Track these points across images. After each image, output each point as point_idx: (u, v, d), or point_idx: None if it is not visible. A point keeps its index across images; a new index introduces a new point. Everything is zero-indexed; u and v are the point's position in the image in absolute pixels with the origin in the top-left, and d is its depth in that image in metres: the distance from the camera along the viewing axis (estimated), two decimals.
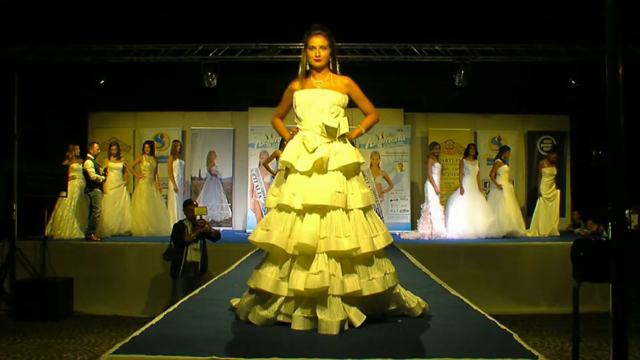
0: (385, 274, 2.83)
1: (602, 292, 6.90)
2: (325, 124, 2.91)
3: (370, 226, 2.85)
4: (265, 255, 2.92)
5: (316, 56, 2.99)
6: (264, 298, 2.80)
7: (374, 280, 2.78)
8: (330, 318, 2.62)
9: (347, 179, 2.90)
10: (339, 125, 2.92)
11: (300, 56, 3.12)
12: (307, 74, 3.06)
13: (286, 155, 2.91)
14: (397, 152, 10.68)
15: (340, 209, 2.80)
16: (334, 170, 2.87)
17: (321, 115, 2.96)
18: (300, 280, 2.69)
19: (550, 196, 9.39)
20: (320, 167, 2.87)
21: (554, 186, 9.48)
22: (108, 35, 9.14)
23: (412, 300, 2.99)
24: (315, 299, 2.70)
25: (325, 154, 2.87)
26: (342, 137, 2.95)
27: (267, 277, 2.78)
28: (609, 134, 2.29)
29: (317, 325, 2.64)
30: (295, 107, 3.04)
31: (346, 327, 2.67)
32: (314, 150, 2.87)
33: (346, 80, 3.05)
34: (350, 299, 2.73)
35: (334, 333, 2.59)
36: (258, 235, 2.85)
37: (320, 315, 2.65)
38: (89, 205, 8.40)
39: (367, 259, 2.81)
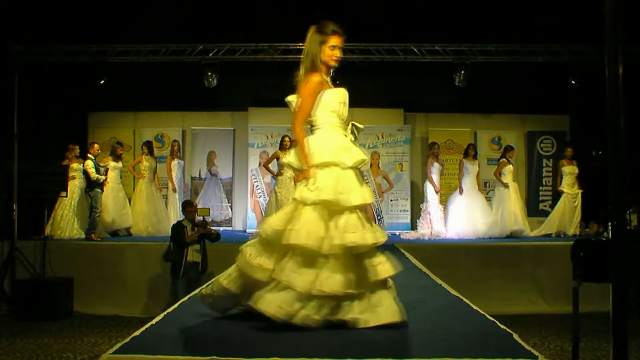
0: None
1: (602, 292, 6.86)
2: (357, 125, 3.00)
3: None
4: (293, 252, 2.72)
5: (336, 57, 2.98)
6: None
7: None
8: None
9: None
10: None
11: (302, 50, 3.01)
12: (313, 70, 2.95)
13: (334, 155, 2.84)
14: (397, 152, 10.67)
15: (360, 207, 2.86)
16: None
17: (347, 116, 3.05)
18: (336, 281, 2.65)
19: (573, 196, 9.24)
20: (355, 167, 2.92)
21: (576, 185, 9.32)
22: (108, 35, 9.14)
23: None
24: (338, 297, 2.67)
25: (367, 155, 2.97)
26: None
27: (303, 280, 2.63)
28: (609, 134, 2.29)
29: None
30: (330, 103, 2.93)
31: None
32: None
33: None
34: None
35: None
36: (302, 237, 2.65)
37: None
38: (89, 205, 8.40)
39: None
